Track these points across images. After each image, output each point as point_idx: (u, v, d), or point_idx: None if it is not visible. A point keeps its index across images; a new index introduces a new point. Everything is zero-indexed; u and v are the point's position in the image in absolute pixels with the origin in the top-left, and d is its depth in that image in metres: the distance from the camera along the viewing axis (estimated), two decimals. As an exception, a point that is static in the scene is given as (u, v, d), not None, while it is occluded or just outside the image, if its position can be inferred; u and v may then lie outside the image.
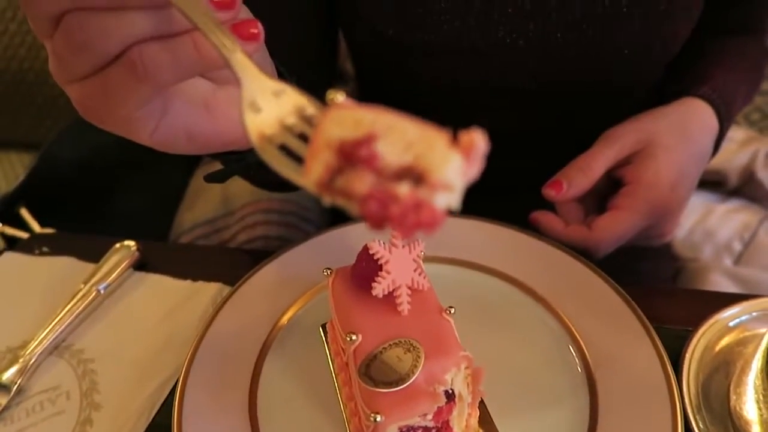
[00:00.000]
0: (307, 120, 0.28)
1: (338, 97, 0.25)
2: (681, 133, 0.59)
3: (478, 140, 0.23)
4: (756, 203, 1.07)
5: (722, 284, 0.92)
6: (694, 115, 0.62)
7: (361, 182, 0.23)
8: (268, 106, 0.27)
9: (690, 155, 0.59)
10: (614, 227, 0.56)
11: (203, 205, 0.92)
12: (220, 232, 0.88)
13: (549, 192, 0.57)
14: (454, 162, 0.22)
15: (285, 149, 0.27)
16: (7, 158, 1.19)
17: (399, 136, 0.23)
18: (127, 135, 0.33)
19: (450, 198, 0.23)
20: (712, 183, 1.07)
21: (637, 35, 0.62)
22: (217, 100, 0.36)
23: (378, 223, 0.23)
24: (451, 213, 0.23)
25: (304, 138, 0.27)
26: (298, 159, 0.26)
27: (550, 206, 0.60)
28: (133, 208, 0.95)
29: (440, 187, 0.22)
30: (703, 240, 1.00)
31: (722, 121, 0.63)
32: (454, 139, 0.23)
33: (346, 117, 0.23)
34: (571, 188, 0.57)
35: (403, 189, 0.22)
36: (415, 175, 0.23)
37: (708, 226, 1.02)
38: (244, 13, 0.33)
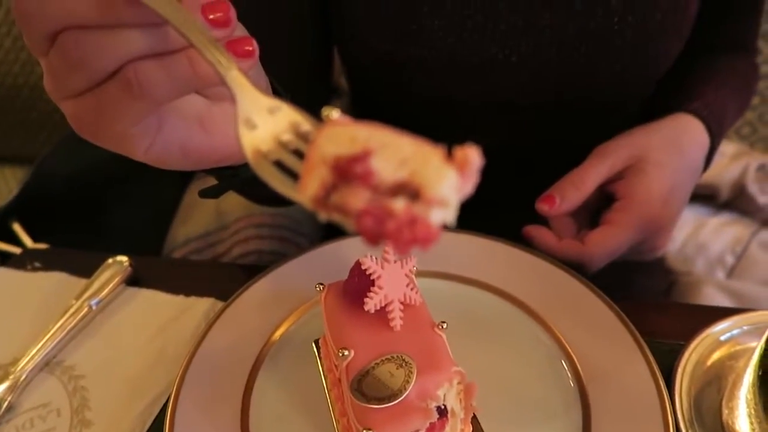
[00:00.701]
0: (303, 136, 0.28)
1: (333, 113, 0.25)
2: (672, 148, 0.60)
3: (472, 156, 0.23)
4: (747, 216, 1.08)
5: (715, 298, 0.92)
6: (686, 131, 0.62)
7: (357, 198, 0.23)
8: (264, 122, 0.28)
9: (681, 170, 0.60)
10: (606, 242, 0.56)
11: (197, 220, 0.92)
12: (214, 246, 0.88)
13: (542, 206, 0.58)
14: (449, 178, 0.23)
15: (280, 165, 0.27)
16: (1, 173, 1.19)
17: (394, 152, 0.23)
18: (121, 151, 0.33)
19: (445, 214, 0.23)
20: (704, 196, 1.08)
21: (629, 52, 0.63)
22: (212, 117, 0.36)
23: (374, 238, 0.23)
24: (445, 228, 0.23)
25: (299, 154, 0.27)
26: (293, 175, 0.26)
27: (543, 221, 0.61)
28: (126, 223, 0.94)
29: (436, 202, 0.22)
30: (695, 253, 1.01)
31: (713, 137, 0.63)
32: (449, 154, 0.23)
33: (342, 133, 0.24)
34: (564, 203, 0.57)
35: (399, 205, 0.22)
36: (410, 191, 0.23)
37: (700, 240, 1.03)
38: (239, 30, 0.34)
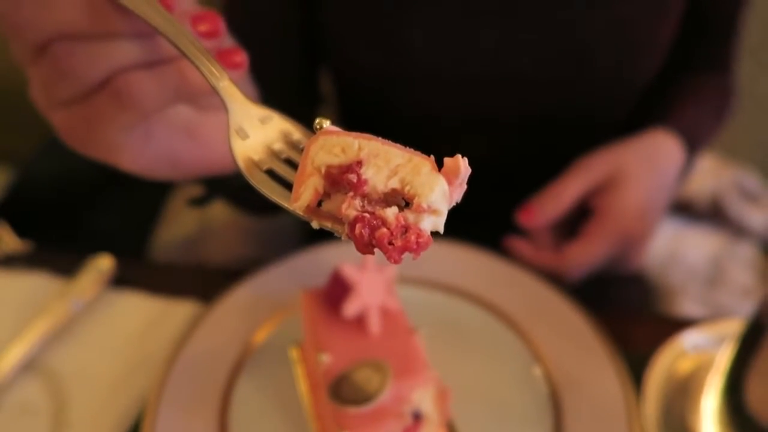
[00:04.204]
0: (293, 145, 0.28)
1: (325, 123, 0.25)
2: (648, 164, 0.61)
3: (461, 166, 0.24)
4: (724, 228, 1.10)
5: (691, 308, 0.94)
6: (661, 147, 0.64)
7: (350, 207, 0.23)
8: (255, 132, 0.28)
9: (658, 186, 0.61)
10: (583, 256, 0.57)
11: (180, 224, 0.92)
12: (197, 250, 0.88)
13: (521, 218, 0.59)
14: (439, 187, 0.23)
15: (272, 174, 0.27)
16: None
17: (385, 162, 0.23)
18: (109, 161, 0.33)
19: (436, 221, 0.24)
20: (681, 208, 1.10)
21: (610, 69, 0.64)
22: (201, 127, 0.36)
23: (366, 246, 0.23)
24: (435, 235, 0.24)
25: (290, 163, 0.28)
26: (285, 184, 0.27)
27: (522, 233, 0.62)
28: (110, 226, 0.94)
29: (427, 211, 0.23)
30: (672, 265, 1.03)
31: (688, 153, 0.65)
32: (439, 164, 0.24)
33: (334, 143, 0.24)
34: (543, 215, 0.58)
35: (391, 213, 0.23)
36: (401, 200, 0.24)
37: (677, 251, 1.05)
38: (229, 41, 0.34)
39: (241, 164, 0.27)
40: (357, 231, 0.23)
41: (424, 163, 0.23)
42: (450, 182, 0.23)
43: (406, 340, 0.43)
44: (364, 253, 0.23)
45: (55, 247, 0.67)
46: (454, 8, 0.62)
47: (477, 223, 0.72)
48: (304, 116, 0.81)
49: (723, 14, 0.72)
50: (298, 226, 0.85)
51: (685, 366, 0.51)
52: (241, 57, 0.31)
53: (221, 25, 0.31)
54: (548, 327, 0.53)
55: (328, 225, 0.24)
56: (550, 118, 0.69)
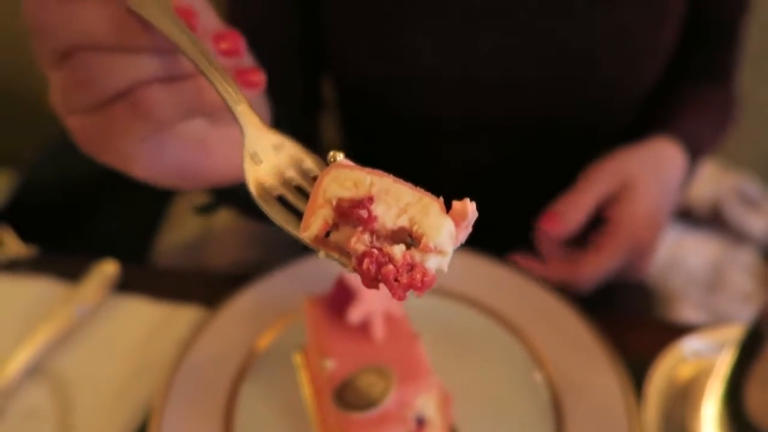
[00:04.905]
0: (305, 173, 0.29)
1: (339, 156, 0.26)
2: (656, 171, 0.61)
3: (469, 209, 0.24)
4: (723, 234, 1.10)
5: (692, 314, 0.95)
6: (665, 154, 0.64)
7: (359, 241, 0.24)
8: (268, 158, 0.28)
9: (664, 193, 0.61)
10: (596, 267, 0.57)
11: (184, 228, 0.93)
12: (200, 254, 0.89)
13: (545, 226, 0.58)
14: (446, 229, 0.24)
15: (282, 201, 0.28)
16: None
17: (395, 200, 0.24)
18: (121, 168, 0.34)
19: (441, 262, 0.24)
20: (681, 213, 1.11)
21: (610, 74, 0.65)
22: (212, 139, 0.36)
23: (372, 281, 0.24)
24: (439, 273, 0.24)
25: (300, 191, 0.28)
26: (294, 210, 0.27)
27: (524, 239, 0.62)
28: (114, 230, 0.95)
29: (433, 251, 0.24)
30: (672, 270, 1.03)
31: (689, 161, 0.65)
32: (447, 205, 0.24)
33: (346, 176, 0.24)
34: (566, 223, 0.57)
35: (399, 251, 0.24)
36: (407, 237, 0.24)
37: (677, 257, 1.05)
38: (248, 60, 0.35)
39: (253, 190, 0.28)
40: (365, 266, 0.23)
41: (433, 204, 0.24)
42: (457, 224, 0.24)
43: (410, 346, 0.44)
44: (369, 287, 0.24)
45: (59, 252, 0.67)
46: (455, 13, 0.62)
47: (478, 228, 0.73)
48: (305, 122, 0.82)
49: (724, 23, 0.72)
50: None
51: (685, 372, 0.51)
52: (259, 77, 0.31)
53: (242, 44, 0.32)
54: (549, 332, 0.54)
55: (335, 256, 0.25)
56: (551, 122, 0.69)
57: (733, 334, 0.53)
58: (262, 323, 0.54)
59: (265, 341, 0.53)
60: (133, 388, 0.52)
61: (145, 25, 0.28)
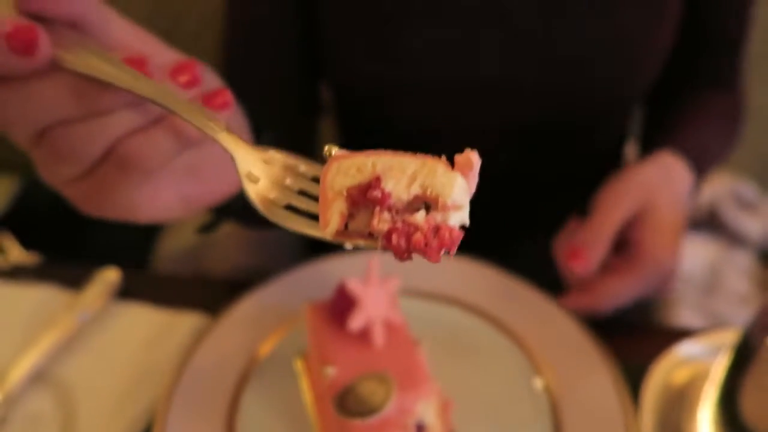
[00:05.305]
0: (302, 176, 0.30)
1: (334, 149, 0.26)
2: (669, 191, 0.60)
3: (472, 158, 0.25)
4: (720, 236, 1.11)
5: (690, 317, 0.95)
6: (674, 171, 0.62)
7: (380, 221, 0.24)
8: (263, 173, 0.29)
9: (679, 213, 0.60)
10: (620, 293, 0.56)
11: (183, 233, 0.93)
12: (201, 259, 0.89)
13: (574, 266, 0.55)
14: (458, 183, 0.24)
15: (290, 207, 0.29)
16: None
17: (401, 172, 0.25)
18: (127, 219, 0.34)
19: (462, 215, 0.25)
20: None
21: (608, 77, 0.65)
22: (200, 164, 0.37)
23: (404, 253, 0.24)
24: (463, 228, 0.25)
25: (303, 193, 0.29)
26: (304, 213, 0.28)
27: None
28: (115, 236, 0.96)
29: (452, 207, 0.24)
30: (669, 273, 1.04)
31: (695, 176, 0.64)
32: (450, 162, 0.25)
33: (348, 165, 0.25)
34: (594, 257, 0.55)
35: (421, 217, 0.24)
36: (422, 203, 0.25)
37: (674, 260, 1.06)
38: (211, 81, 0.35)
39: (260, 207, 0.29)
40: (394, 241, 0.24)
41: (438, 165, 0.24)
42: (465, 176, 0.25)
43: (409, 353, 0.44)
44: (402, 260, 0.24)
45: (60, 258, 0.68)
46: (452, 16, 0.63)
47: (482, 228, 0.73)
48: (304, 125, 0.82)
49: (727, 29, 0.72)
50: (299, 235, 0.86)
51: (681, 376, 0.52)
52: (227, 97, 0.31)
53: (199, 70, 0.32)
54: (547, 338, 0.54)
55: (361, 243, 0.25)
56: (549, 124, 0.69)
57: (728, 338, 0.54)
58: (263, 329, 0.54)
59: (266, 347, 0.53)
60: (136, 395, 0.52)
61: (106, 86, 0.28)
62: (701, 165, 0.65)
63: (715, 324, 0.94)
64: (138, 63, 0.29)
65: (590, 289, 0.57)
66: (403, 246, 0.24)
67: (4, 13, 0.28)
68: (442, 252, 0.24)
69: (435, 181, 0.24)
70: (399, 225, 0.24)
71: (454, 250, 0.24)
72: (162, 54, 0.33)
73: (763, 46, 1.14)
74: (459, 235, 0.24)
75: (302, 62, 0.71)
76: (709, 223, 1.12)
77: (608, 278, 0.56)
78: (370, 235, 0.25)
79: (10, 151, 1.20)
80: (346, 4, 0.64)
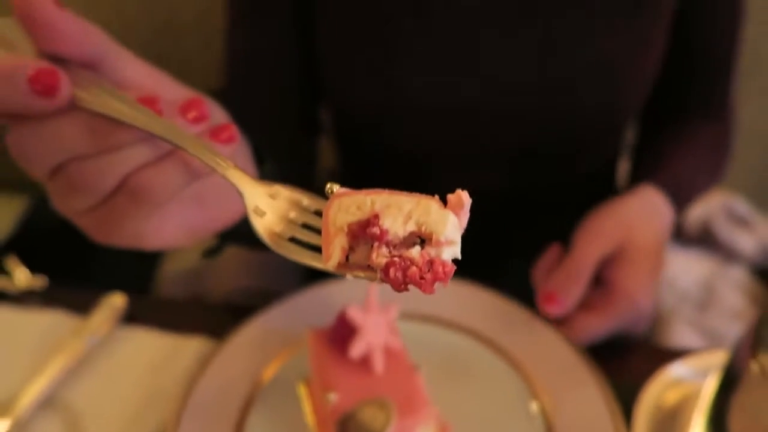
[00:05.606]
0: (306, 210, 0.32)
1: (336, 187, 0.28)
2: (651, 228, 0.60)
3: (464, 198, 0.27)
4: (714, 252, 1.13)
5: (685, 334, 0.96)
6: (655, 209, 0.63)
7: (379, 255, 0.26)
8: (269, 207, 0.31)
9: (658, 252, 0.60)
10: (593, 329, 0.57)
11: (185, 256, 0.95)
12: (203, 282, 0.91)
13: (549, 309, 0.57)
14: (450, 221, 0.26)
15: (295, 240, 0.31)
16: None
17: (398, 210, 0.26)
18: (135, 247, 0.36)
19: (454, 250, 0.27)
20: (672, 233, 1.12)
21: (594, 102, 0.66)
22: (205, 193, 0.38)
23: (401, 285, 0.26)
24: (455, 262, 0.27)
25: (307, 226, 0.31)
26: (308, 245, 0.30)
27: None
28: (117, 258, 0.97)
29: (445, 243, 0.26)
30: (664, 289, 1.05)
31: (675, 212, 0.65)
32: (442, 201, 0.27)
33: (349, 203, 0.27)
34: (569, 300, 0.56)
35: (416, 252, 0.26)
36: (417, 238, 0.27)
37: (669, 275, 1.07)
38: (218, 116, 0.37)
39: (267, 240, 0.31)
40: (392, 275, 0.26)
41: (431, 204, 0.26)
42: (457, 214, 0.26)
43: (408, 378, 0.46)
44: (399, 291, 0.26)
45: (65, 279, 0.69)
46: (444, 40, 0.64)
47: (473, 257, 0.75)
48: (304, 148, 0.84)
49: (716, 54, 0.72)
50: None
51: (673, 397, 0.53)
52: (232, 131, 0.33)
53: (206, 107, 0.33)
54: (542, 361, 0.56)
55: (361, 275, 0.27)
56: (540, 149, 0.71)
57: (719, 359, 0.56)
58: (266, 354, 0.56)
59: (270, 372, 0.55)
60: (143, 419, 0.54)
61: (118, 123, 0.30)
62: (684, 200, 0.66)
63: (710, 340, 0.95)
64: (150, 102, 0.31)
65: (564, 321, 0.58)
66: (400, 279, 0.26)
67: (27, 54, 0.31)
68: (436, 284, 0.26)
69: (429, 218, 0.26)
70: (396, 259, 0.26)
71: (447, 282, 0.26)
72: (172, 90, 0.35)
73: (749, 62, 1.16)
74: (452, 269, 0.26)
75: (302, 89, 0.73)
76: (702, 239, 1.13)
77: (582, 314, 0.57)
78: (369, 268, 0.27)
79: (16, 171, 1.21)
80: (343, 33, 0.66)
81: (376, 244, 0.26)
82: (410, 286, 0.26)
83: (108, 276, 0.72)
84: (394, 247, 0.26)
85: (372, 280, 0.27)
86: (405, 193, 0.27)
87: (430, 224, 0.26)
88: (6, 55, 0.30)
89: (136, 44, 0.36)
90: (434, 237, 0.26)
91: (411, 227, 0.26)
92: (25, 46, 0.31)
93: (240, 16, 0.70)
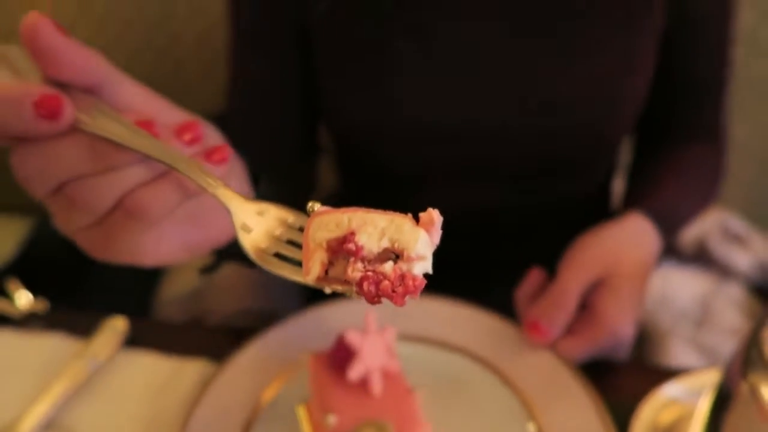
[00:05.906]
0: (290, 227, 0.33)
1: (316, 206, 0.30)
2: (636, 258, 0.61)
3: (435, 216, 0.28)
4: (710, 270, 1.13)
5: (682, 351, 0.97)
6: (643, 237, 0.63)
7: (354, 270, 0.28)
8: (256, 224, 0.33)
9: (643, 281, 0.61)
10: (573, 352, 0.57)
11: (185, 278, 0.96)
12: (202, 303, 0.92)
13: (534, 338, 0.58)
14: (421, 238, 0.28)
15: (280, 255, 0.33)
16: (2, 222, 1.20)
17: (373, 227, 0.28)
18: (132, 263, 0.37)
19: (425, 266, 0.28)
20: (668, 251, 1.13)
21: (588, 121, 0.68)
22: (200, 210, 0.40)
23: (374, 298, 0.28)
24: (425, 277, 0.28)
25: (291, 243, 0.33)
26: (292, 260, 0.32)
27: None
28: (118, 280, 0.98)
29: (416, 259, 0.28)
30: (661, 306, 1.06)
31: (663, 240, 0.65)
32: (416, 219, 0.29)
33: (327, 221, 0.28)
34: (554, 329, 0.57)
35: (389, 267, 0.28)
36: (391, 254, 0.28)
37: (666, 293, 1.08)
38: (211, 138, 0.38)
39: (253, 255, 0.33)
40: (365, 288, 0.27)
41: (405, 221, 0.28)
42: (428, 231, 0.28)
43: (406, 400, 0.46)
44: (372, 303, 0.28)
45: (69, 306, 0.70)
46: (440, 61, 0.66)
47: (466, 272, 0.75)
48: (304, 168, 0.85)
49: (706, 75, 0.73)
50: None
51: (667, 417, 0.54)
52: (225, 153, 0.35)
53: (201, 129, 0.36)
54: (538, 382, 0.56)
55: (338, 288, 0.29)
56: (534, 168, 0.72)
57: (714, 378, 0.56)
58: (266, 376, 0.57)
59: (269, 394, 0.55)
60: (144, 442, 0.54)
61: (116, 144, 0.32)
62: (673, 226, 0.67)
63: (708, 357, 0.96)
64: (147, 125, 0.33)
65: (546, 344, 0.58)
66: (372, 292, 0.27)
67: (33, 80, 0.32)
68: (407, 297, 0.28)
69: (402, 236, 0.28)
70: (370, 273, 0.28)
71: (417, 295, 0.28)
72: (169, 113, 0.37)
73: (740, 80, 1.18)
74: (422, 283, 0.28)
75: (302, 112, 0.75)
76: (698, 256, 1.14)
77: (563, 338, 0.58)
78: (347, 282, 0.28)
79: (19, 194, 1.22)
80: (340, 55, 0.68)
81: (352, 259, 0.28)
82: (383, 299, 0.28)
83: (108, 299, 0.73)
84: (369, 262, 0.28)
85: (348, 293, 0.29)
86: (380, 211, 0.29)
87: (403, 241, 0.28)
88: (13, 81, 0.32)
89: (138, 70, 0.38)
90: (406, 253, 0.28)
91: (385, 243, 0.28)
92: (31, 72, 0.33)
93: (242, 42, 0.72)
